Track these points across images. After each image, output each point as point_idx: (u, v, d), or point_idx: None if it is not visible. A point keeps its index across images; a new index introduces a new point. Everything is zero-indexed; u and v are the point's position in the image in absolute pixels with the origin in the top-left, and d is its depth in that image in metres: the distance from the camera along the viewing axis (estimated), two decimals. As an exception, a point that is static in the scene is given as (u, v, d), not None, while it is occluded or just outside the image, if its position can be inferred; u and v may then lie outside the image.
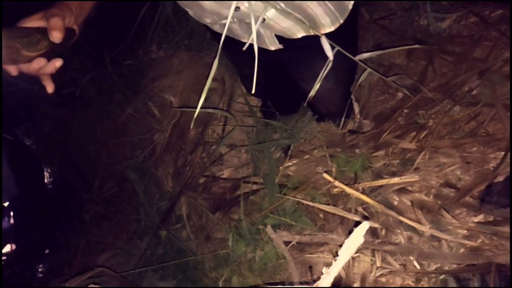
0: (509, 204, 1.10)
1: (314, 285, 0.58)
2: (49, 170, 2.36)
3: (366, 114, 1.48)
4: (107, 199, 2.08)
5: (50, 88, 0.76)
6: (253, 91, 0.76)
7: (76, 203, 2.18)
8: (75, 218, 2.11)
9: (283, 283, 1.31)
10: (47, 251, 2.13)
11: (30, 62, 0.70)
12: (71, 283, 0.95)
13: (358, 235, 0.51)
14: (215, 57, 0.69)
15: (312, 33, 1.08)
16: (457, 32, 1.45)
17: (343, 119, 1.36)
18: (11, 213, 2.00)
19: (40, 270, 2.11)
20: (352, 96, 1.46)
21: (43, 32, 0.69)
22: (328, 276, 0.54)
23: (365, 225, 0.51)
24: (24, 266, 2.07)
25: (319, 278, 0.98)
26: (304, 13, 1.02)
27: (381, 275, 1.20)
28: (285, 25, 1.05)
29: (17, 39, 0.66)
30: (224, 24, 1.12)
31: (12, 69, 0.70)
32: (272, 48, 1.16)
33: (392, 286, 1.14)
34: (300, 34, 1.10)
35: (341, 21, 1.09)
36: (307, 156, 1.47)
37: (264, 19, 1.01)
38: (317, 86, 0.95)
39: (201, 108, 0.71)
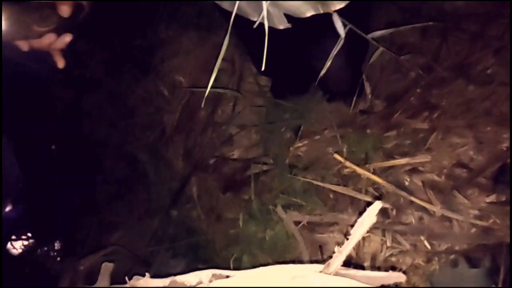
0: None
1: (326, 264, 0.58)
2: (58, 152, 2.38)
3: (377, 93, 1.46)
4: (118, 180, 2.10)
5: (61, 63, 0.77)
6: (263, 68, 0.75)
7: (88, 184, 2.20)
8: (86, 199, 2.14)
9: (293, 262, 1.32)
10: (58, 230, 2.16)
11: (40, 38, 0.70)
12: (85, 261, 0.97)
13: (371, 215, 0.51)
14: (224, 36, 0.69)
15: (322, 11, 1.06)
16: (472, 9, 1.41)
17: (354, 98, 1.34)
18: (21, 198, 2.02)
19: (53, 249, 2.15)
20: (364, 76, 1.44)
21: (53, 7, 0.69)
22: (340, 255, 0.54)
23: (377, 205, 0.51)
24: (37, 245, 2.11)
25: (329, 257, 0.99)
26: None
27: (391, 254, 1.20)
28: (294, 3, 1.03)
29: (28, 15, 0.66)
30: (232, 2, 1.11)
31: (23, 45, 0.71)
32: (281, 27, 1.14)
33: (402, 265, 1.14)
34: (309, 13, 1.07)
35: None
36: (317, 137, 1.47)
37: None
38: (328, 64, 0.93)
39: (211, 88, 0.71)
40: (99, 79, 2.11)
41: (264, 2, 0.73)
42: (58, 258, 2.10)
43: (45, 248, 2.14)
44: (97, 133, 2.25)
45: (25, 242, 2.15)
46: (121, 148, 2.14)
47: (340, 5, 1.04)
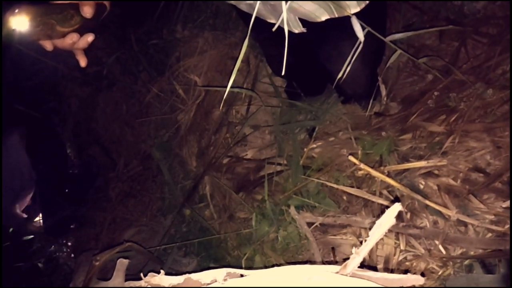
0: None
1: (343, 265, 0.58)
2: (73, 148, 2.41)
3: (393, 96, 1.45)
4: (132, 177, 2.12)
5: (83, 62, 0.79)
6: (283, 73, 0.76)
7: (102, 181, 2.22)
8: (101, 196, 2.16)
9: (306, 263, 1.32)
10: (73, 226, 2.19)
11: (63, 37, 0.72)
12: (101, 257, 0.98)
13: (390, 217, 0.51)
14: (242, 37, 0.70)
15: (336, 15, 1.06)
16: (491, 13, 1.40)
17: (370, 101, 1.34)
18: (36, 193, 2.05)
19: (67, 245, 2.18)
20: (379, 78, 1.44)
21: (76, 7, 0.71)
22: (357, 256, 0.54)
23: (396, 207, 0.51)
24: (51, 241, 2.15)
25: (343, 259, 0.98)
26: None
27: (405, 258, 1.20)
28: (309, 8, 1.03)
29: (52, 15, 0.68)
30: (250, 4, 1.12)
31: (47, 44, 0.73)
32: (296, 31, 1.15)
33: (416, 270, 1.13)
34: (324, 17, 1.08)
35: (367, 1, 1.06)
36: (332, 138, 1.46)
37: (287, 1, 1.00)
38: (346, 68, 0.94)
39: (225, 87, 0.72)
40: (115, 77, 2.13)
41: (283, 5, 0.74)
42: (72, 255, 2.13)
43: (59, 244, 2.17)
44: (112, 130, 2.28)
45: (39, 238, 2.19)
46: (135, 146, 2.16)
47: (355, 9, 1.04)
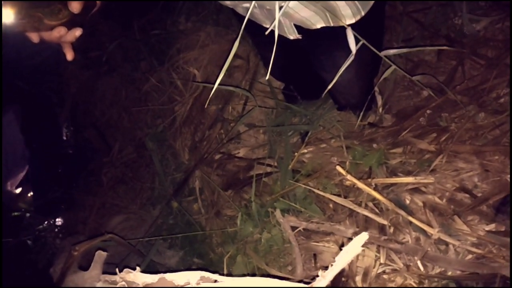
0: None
1: (309, 286, 0.59)
2: (70, 129, 2.41)
3: (388, 108, 1.45)
4: (126, 164, 2.13)
5: (69, 55, 0.79)
6: (267, 77, 0.76)
7: (95, 165, 2.23)
8: (93, 179, 2.17)
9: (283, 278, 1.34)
10: (62, 207, 2.20)
11: (51, 30, 0.72)
12: (80, 247, 0.99)
13: (357, 245, 0.51)
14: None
15: (332, 24, 1.06)
16: (491, 35, 1.39)
17: (362, 112, 1.34)
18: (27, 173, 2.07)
19: (56, 225, 2.19)
20: (376, 88, 1.43)
21: (64, 2, 0.71)
22: (323, 279, 0.55)
23: (363, 236, 0.51)
24: (40, 220, 2.16)
25: (322, 266, 0.98)
26: (325, 3, 0.99)
27: (384, 272, 1.20)
28: (305, 14, 1.03)
29: (39, 9, 0.69)
30: (246, 7, 1.12)
31: (34, 36, 0.73)
32: (291, 37, 1.15)
33: (393, 284, 1.14)
34: (319, 24, 1.08)
35: (363, 13, 1.06)
36: (323, 145, 1.46)
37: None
38: (337, 78, 0.93)
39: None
40: (116, 63, 2.13)
41: (276, 6, 0.74)
42: (60, 235, 2.15)
43: (48, 224, 2.19)
44: (109, 115, 2.28)
45: (28, 215, 2.20)
46: (131, 132, 2.17)
47: (350, 21, 1.03)
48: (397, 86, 1.45)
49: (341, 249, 1.35)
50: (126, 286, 0.79)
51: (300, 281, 0.68)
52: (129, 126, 2.18)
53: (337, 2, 1.00)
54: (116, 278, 0.86)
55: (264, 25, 1.13)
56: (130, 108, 2.13)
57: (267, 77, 0.72)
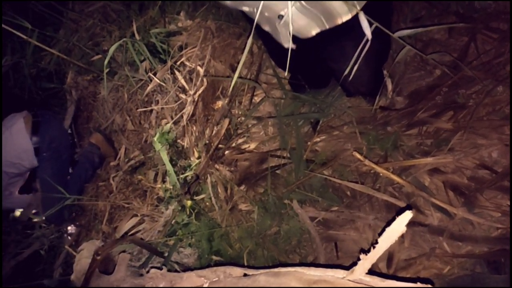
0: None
1: (350, 270, 0.56)
2: (74, 136, 2.39)
3: (399, 90, 1.42)
4: (134, 166, 2.10)
5: None
6: (286, 74, 0.75)
7: (103, 169, 2.21)
8: (102, 184, 2.15)
9: (308, 260, 1.32)
10: (74, 215, 2.18)
11: None
12: (102, 251, 0.97)
13: (401, 224, 0.49)
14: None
15: (327, 27, 1.05)
16: (503, 8, 1.36)
17: (376, 98, 1.31)
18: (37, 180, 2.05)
19: (68, 233, 2.17)
20: (386, 72, 1.41)
21: None
22: (365, 262, 0.53)
23: (407, 215, 0.49)
24: (52, 229, 2.14)
25: (344, 255, 0.95)
26: (322, 7, 0.99)
27: (409, 256, 1.19)
28: (302, 23, 1.04)
29: None
30: (246, 11, 1.11)
31: None
32: (286, 46, 1.15)
33: (420, 268, 1.12)
34: (314, 31, 1.09)
35: (358, 7, 1.04)
36: (336, 132, 1.44)
37: (282, 16, 1.01)
38: (352, 68, 0.92)
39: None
40: (117, 66, 2.11)
41: (289, 4, 0.73)
42: (74, 243, 2.13)
43: (60, 232, 2.17)
44: (113, 119, 2.26)
45: (39, 226, 2.18)
46: (136, 135, 2.14)
47: (347, 17, 1.02)
48: (407, 68, 1.43)
49: (363, 237, 1.33)
50: (154, 286, 0.77)
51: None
52: (134, 128, 2.16)
53: (332, 2, 0.99)
54: (144, 279, 0.84)
55: (264, 28, 1.14)
56: (134, 110, 2.10)
57: (286, 74, 0.71)
